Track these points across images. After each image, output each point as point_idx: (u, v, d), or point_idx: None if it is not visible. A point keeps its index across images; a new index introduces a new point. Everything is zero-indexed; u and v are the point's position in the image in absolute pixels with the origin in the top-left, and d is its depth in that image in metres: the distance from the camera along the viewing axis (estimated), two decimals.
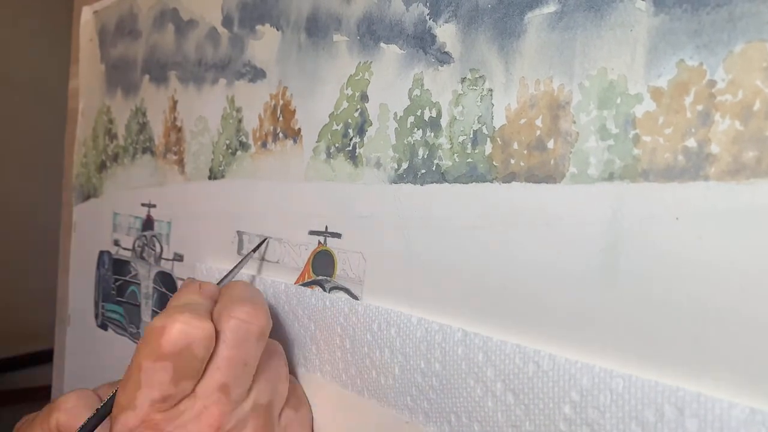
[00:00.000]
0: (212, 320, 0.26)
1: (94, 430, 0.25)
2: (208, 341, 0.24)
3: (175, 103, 0.41)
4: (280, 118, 0.32)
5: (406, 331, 0.25)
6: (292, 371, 0.31)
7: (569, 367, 0.19)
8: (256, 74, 0.34)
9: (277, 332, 0.31)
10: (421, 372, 0.24)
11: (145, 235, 0.44)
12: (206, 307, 0.27)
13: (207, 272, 0.36)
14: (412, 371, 0.24)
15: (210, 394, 0.24)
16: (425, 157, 0.25)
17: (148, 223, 0.44)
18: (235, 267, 0.32)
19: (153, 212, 0.43)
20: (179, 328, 0.24)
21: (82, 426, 0.25)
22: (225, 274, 0.32)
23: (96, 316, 0.50)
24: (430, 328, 0.24)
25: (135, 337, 0.45)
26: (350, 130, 0.28)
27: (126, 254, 0.46)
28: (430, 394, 0.24)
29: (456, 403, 0.23)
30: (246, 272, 0.34)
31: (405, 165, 0.26)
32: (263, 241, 0.33)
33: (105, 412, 0.26)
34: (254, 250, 0.32)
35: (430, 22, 0.25)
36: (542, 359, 0.20)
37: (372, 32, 0.27)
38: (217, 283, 0.30)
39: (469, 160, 0.23)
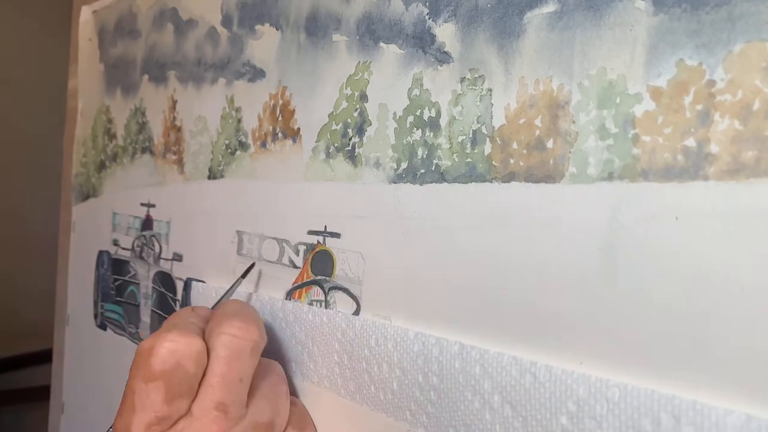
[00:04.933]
0: (204, 339, 0.25)
1: None
2: (198, 356, 0.24)
3: (174, 102, 0.41)
4: (280, 118, 0.32)
5: (404, 346, 0.25)
6: (292, 388, 0.30)
7: (565, 378, 0.19)
8: (256, 74, 0.34)
9: (274, 349, 0.31)
10: (419, 386, 0.24)
11: (144, 235, 0.44)
12: (197, 325, 0.27)
13: (204, 290, 0.36)
14: (411, 386, 0.24)
15: (207, 413, 0.24)
16: (424, 156, 0.25)
17: (147, 223, 0.44)
18: (225, 293, 0.32)
19: (152, 212, 0.43)
20: (167, 346, 0.24)
21: None
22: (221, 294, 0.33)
23: (95, 316, 0.50)
24: (427, 342, 0.24)
25: (134, 337, 0.45)
26: (349, 130, 0.28)
27: (125, 254, 0.46)
28: (428, 408, 0.24)
29: (454, 416, 0.23)
30: (244, 289, 0.34)
31: (404, 165, 0.26)
32: (250, 266, 0.33)
33: None
34: (243, 276, 0.33)
35: (430, 22, 0.25)
36: (539, 370, 0.20)
37: (371, 32, 0.27)
38: (211, 308, 0.30)
39: (469, 159, 0.23)
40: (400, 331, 0.25)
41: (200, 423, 0.24)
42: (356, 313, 0.28)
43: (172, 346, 0.24)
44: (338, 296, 0.29)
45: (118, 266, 0.47)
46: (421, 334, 0.24)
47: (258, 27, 0.34)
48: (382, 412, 0.26)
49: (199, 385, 0.25)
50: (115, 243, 0.48)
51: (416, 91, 0.25)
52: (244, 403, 0.25)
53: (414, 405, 0.24)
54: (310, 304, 0.30)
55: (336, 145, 0.29)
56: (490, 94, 0.23)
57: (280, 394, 0.28)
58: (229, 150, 0.36)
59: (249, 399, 0.26)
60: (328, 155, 0.29)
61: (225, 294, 0.32)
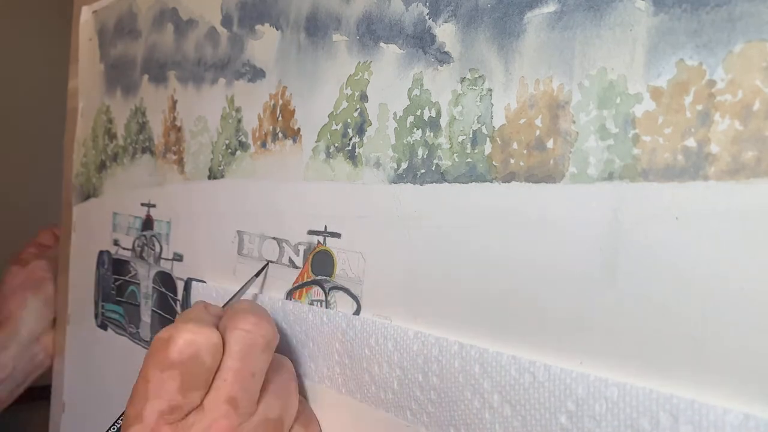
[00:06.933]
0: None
1: None
2: (215, 349, 0.24)
3: (174, 102, 0.41)
4: (280, 118, 0.32)
5: (404, 345, 0.25)
6: None
7: (564, 377, 0.19)
8: (256, 74, 0.34)
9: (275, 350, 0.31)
10: (420, 386, 0.24)
11: (144, 235, 0.44)
12: (212, 321, 0.27)
13: (204, 290, 0.36)
14: (411, 385, 0.24)
15: (218, 407, 0.24)
16: (425, 156, 0.25)
17: (147, 223, 0.44)
18: (238, 292, 0.32)
19: (152, 212, 0.43)
20: (186, 337, 0.24)
21: None
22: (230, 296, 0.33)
23: (96, 316, 0.50)
24: (426, 342, 0.24)
25: (134, 336, 0.45)
26: (350, 130, 0.28)
27: (126, 254, 0.46)
28: (429, 408, 0.24)
29: (454, 416, 0.23)
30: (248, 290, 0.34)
31: (404, 165, 0.26)
32: (264, 266, 0.33)
33: None
34: (256, 275, 0.32)
35: (430, 22, 0.25)
36: (538, 370, 0.20)
37: (371, 32, 0.27)
38: (222, 306, 0.31)
39: (469, 159, 0.23)
40: (400, 330, 0.25)
41: (211, 416, 0.24)
42: (357, 312, 0.28)
43: (191, 337, 0.24)
44: (339, 296, 0.29)
45: (119, 266, 0.47)
46: (421, 333, 0.24)
47: (258, 27, 0.34)
48: (384, 411, 0.26)
49: (213, 378, 0.25)
50: (116, 243, 0.48)
51: (416, 91, 0.25)
52: (256, 399, 0.25)
53: (415, 404, 0.24)
54: (311, 304, 0.30)
55: (336, 145, 0.29)
56: (491, 94, 0.23)
57: (290, 392, 0.28)
58: (230, 150, 0.36)
59: (260, 394, 0.26)
60: (329, 155, 0.29)
61: (237, 293, 0.32)
